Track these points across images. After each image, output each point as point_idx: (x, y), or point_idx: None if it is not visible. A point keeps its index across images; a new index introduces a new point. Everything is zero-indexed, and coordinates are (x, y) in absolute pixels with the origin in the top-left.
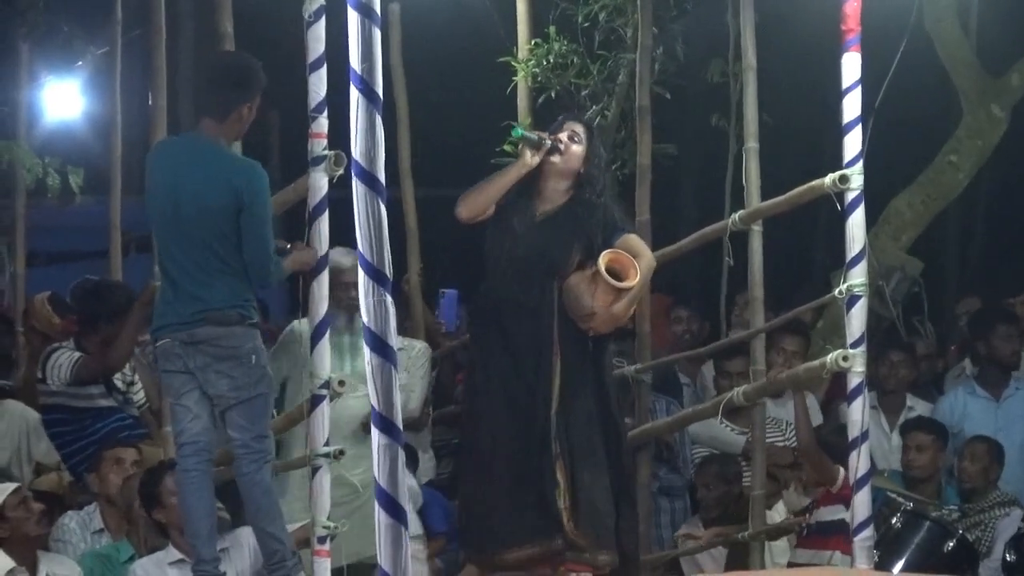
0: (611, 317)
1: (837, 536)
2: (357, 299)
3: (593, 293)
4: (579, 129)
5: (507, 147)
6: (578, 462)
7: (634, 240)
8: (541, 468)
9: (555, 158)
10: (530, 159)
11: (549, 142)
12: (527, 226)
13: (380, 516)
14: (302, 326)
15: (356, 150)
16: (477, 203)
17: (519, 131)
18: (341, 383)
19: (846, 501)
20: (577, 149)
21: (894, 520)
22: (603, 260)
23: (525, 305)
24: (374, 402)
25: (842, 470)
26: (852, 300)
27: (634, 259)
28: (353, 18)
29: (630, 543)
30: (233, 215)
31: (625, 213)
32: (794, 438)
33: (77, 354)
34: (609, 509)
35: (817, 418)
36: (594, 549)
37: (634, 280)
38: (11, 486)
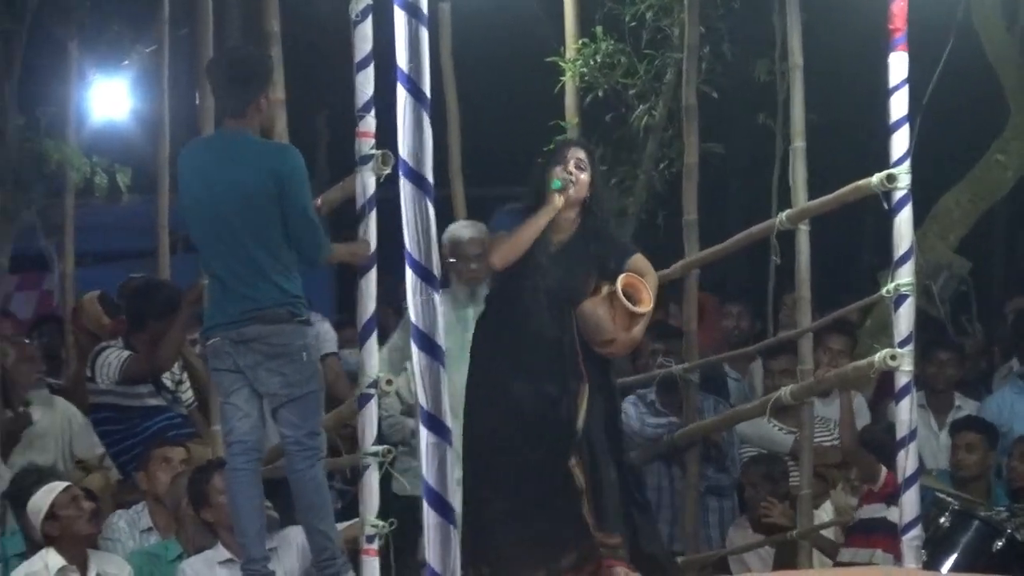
0: (631, 341)
1: (879, 534)
2: (478, 271)
3: (612, 318)
4: (583, 155)
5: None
6: (599, 465)
7: (641, 260)
8: (566, 485)
9: (569, 190)
10: (558, 202)
11: (573, 179)
12: (547, 257)
13: (428, 515)
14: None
15: (403, 149)
16: (512, 252)
17: (558, 183)
18: (389, 382)
19: (888, 499)
20: (584, 177)
21: (942, 520)
22: (620, 285)
23: (546, 334)
24: (422, 401)
25: (884, 468)
26: (900, 299)
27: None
28: (400, 17)
29: (655, 545)
30: (275, 199)
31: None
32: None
33: (126, 353)
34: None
35: (865, 417)
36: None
37: (649, 304)
38: (61, 485)
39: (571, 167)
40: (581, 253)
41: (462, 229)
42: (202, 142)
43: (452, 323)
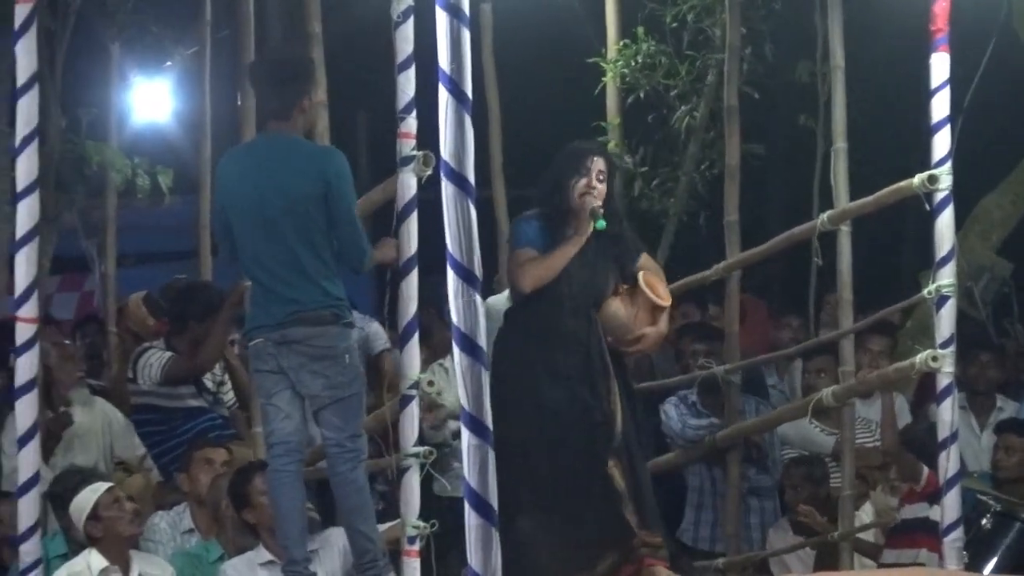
0: (658, 336)
1: (922, 534)
2: None
3: (635, 316)
4: (603, 166)
5: None
6: (636, 464)
7: (648, 257)
8: (605, 487)
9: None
10: (590, 228)
11: (597, 198)
12: (571, 263)
13: (470, 517)
14: (496, 301)
15: (445, 150)
16: (545, 278)
17: (602, 224)
18: (430, 383)
19: (930, 498)
20: (603, 188)
21: (984, 521)
22: (642, 281)
23: (575, 338)
24: (464, 403)
25: (925, 468)
26: (941, 301)
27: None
28: (442, 18)
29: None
30: (321, 202)
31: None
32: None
33: (167, 354)
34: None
35: (906, 418)
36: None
37: (669, 298)
38: (105, 485)
39: (595, 181)
40: (602, 257)
41: None
42: (245, 147)
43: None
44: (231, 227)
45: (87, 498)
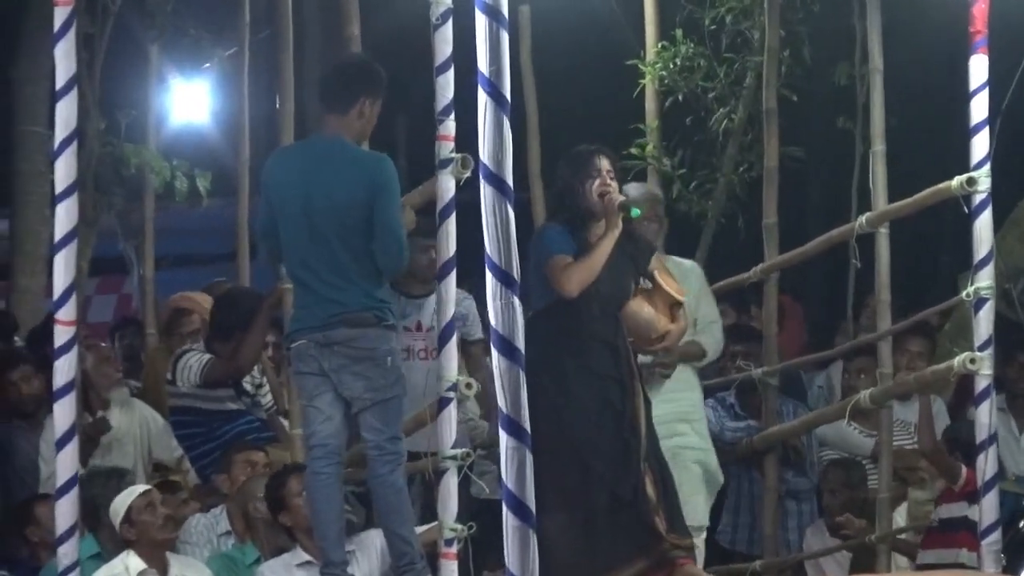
0: (680, 331)
1: (962, 533)
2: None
3: (656, 314)
4: (609, 164)
5: (634, 151)
6: (663, 469)
7: (658, 257)
8: (635, 489)
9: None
10: (619, 222)
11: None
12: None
13: (508, 519)
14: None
15: (484, 153)
16: (587, 279)
17: (636, 212)
18: (468, 385)
19: (969, 498)
20: (616, 185)
21: (1022, 524)
22: (659, 278)
23: (604, 338)
24: (502, 404)
25: (964, 467)
26: (979, 303)
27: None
28: (481, 21)
29: None
30: (366, 209)
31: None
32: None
33: (207, 356)
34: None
35: (944, 421)
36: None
37: (683, 293)
38: (139, 488)
39: (608, 180)
40: (622, 256)
41: (631, 189)
42: (296, 147)
43: None
44: (276, 226)
45: (123, 500)
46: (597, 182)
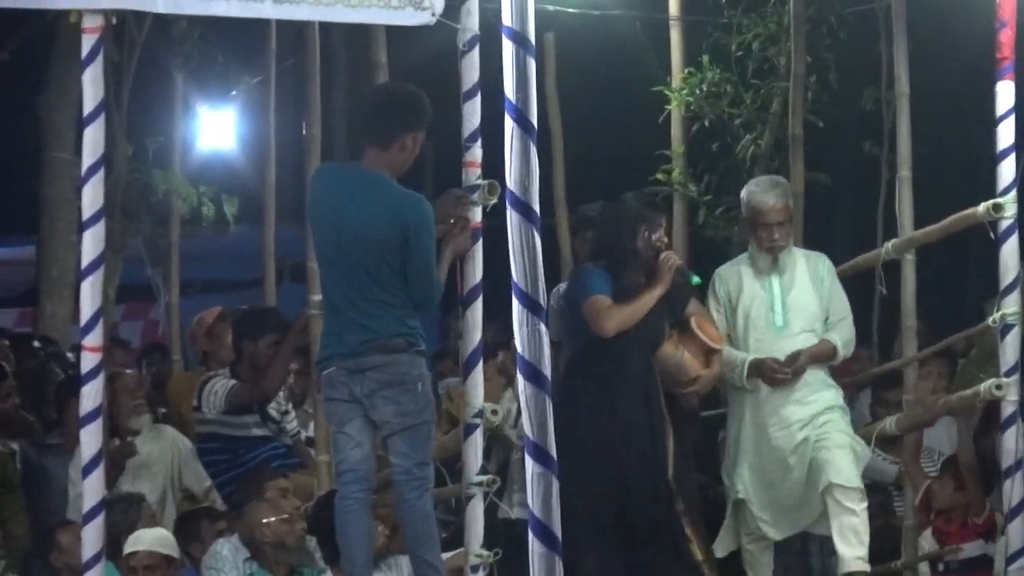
0: (713, 377)
1: (977, 571)
2: (779, 240)
3: (689, 359)
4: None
5: (660, 176)
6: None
7: (697, 303)
8: (671, 529)
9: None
10: (669, 280)
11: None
12: None
13: (534, 545)
14: None
15: (511, 179)
16: (627, 324)
17: (698, 280)
18: (494, 412)
19: (985, 535)
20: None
21: None
22: (694, 325)
23: (638, 381)
24: (528, 431)
25: (987, 503)
26: (1006, 328)
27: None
28: (508, 48)
29: None
30: (399, 248)
31: None
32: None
33: (232, 382)
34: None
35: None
36: None
37: (721, 341)
38: (146, 541)
39: (663, 236)
40: (658, 301)
41: (766, 194)
42: (340, 171)
43: (756, 291)
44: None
45: (131, 544)
46: (655, 236)
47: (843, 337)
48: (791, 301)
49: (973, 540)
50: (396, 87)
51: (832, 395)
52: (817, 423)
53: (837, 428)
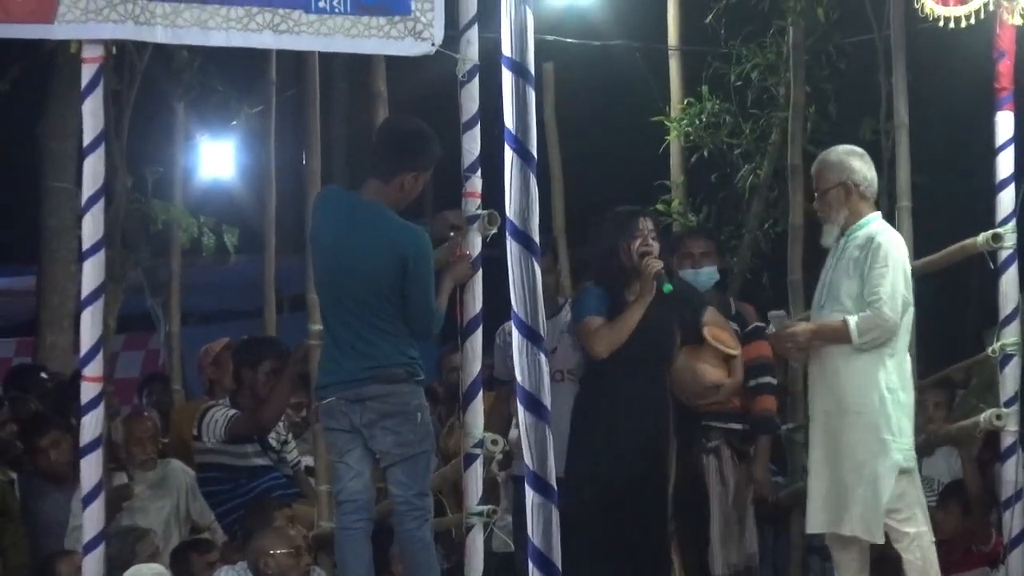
0: (735, 385)
1: None
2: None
3: (706, 369)
4: (651, 225)
5: (659, 207)
6: (692, 533)
7: (713, 311)
8: (659, 548)
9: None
10: (653, 290)
11: (654, 251)
12: (641, 323)
13: (534, 575)
14: None
15: (510, 209)
16: (616, 342)
17: (669, 287)
18: (494, 442)
19: (991, 562)
20: (657, 246)
21: None
22: (708, 335)
23: (646, 397)
24: (528, 461)
25: (994, 531)
26: (1005, 359)
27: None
28: (508, 78)
29: None
30: (398, 279)
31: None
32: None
33: (232, 411)
34: None
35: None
36: None
37: (739, 348)
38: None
39: (649, 240)
40: (664, 313)
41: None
42: (341, 199)
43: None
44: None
45: None
46: (638, 241)
47: (861, 320)
48: (831, 280)
49: (979, 568)
50: (405, 125)
51: None
52: None
53: None
